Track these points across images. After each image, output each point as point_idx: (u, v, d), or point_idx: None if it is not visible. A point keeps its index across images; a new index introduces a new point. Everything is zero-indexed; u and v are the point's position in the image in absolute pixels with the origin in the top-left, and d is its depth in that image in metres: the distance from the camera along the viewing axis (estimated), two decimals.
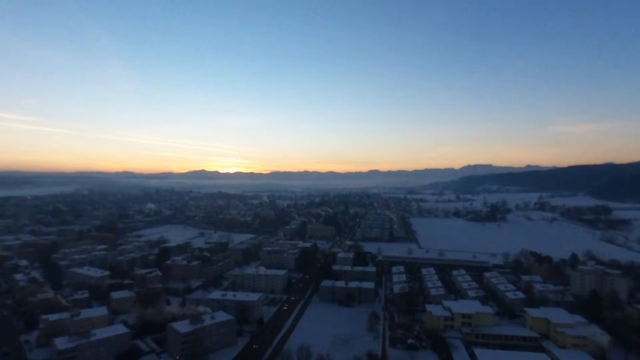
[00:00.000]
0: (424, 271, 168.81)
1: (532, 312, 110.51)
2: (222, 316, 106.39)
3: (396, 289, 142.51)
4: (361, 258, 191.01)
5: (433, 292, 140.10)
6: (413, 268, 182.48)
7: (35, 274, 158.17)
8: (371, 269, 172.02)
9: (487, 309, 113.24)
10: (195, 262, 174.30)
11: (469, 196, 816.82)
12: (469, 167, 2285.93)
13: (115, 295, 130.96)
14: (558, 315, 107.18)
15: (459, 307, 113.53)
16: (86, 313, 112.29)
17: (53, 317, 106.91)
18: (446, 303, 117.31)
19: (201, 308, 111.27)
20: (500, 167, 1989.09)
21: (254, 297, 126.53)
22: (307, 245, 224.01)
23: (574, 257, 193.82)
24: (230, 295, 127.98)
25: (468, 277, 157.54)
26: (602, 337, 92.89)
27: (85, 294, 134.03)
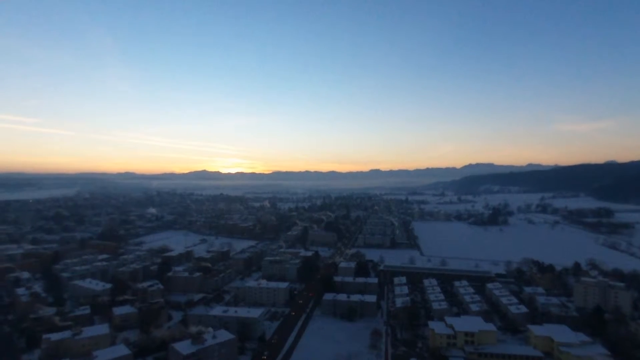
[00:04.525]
0: (425, 282, 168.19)
1: (536, 330, 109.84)
2: (224, 335, 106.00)
3: (398, 302, 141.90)
4: (363, 268, 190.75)
5: (435, 305, 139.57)
6: (415, 278, 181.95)
7: (37, 287, 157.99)
8: (373, 280, 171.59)
9: (490, 327, 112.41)
10: (196, 274, 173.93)
11: (470, 197, 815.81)
12: (470, 166, 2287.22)
13: (117, 311, 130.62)
14: (562, 333, 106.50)
15: (462, 324, 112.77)
16: (88, 332, 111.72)
17: (55, 336, 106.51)
18: (449, 320, 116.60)
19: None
20: (501, 166, 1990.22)
21: (255, 313, 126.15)
22: (309, 254, 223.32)
23: (577, 266, 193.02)
24: (231, 311, 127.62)
25: (470, 289, 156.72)
26: (606, 359, 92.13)
27: (87, 310, 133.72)
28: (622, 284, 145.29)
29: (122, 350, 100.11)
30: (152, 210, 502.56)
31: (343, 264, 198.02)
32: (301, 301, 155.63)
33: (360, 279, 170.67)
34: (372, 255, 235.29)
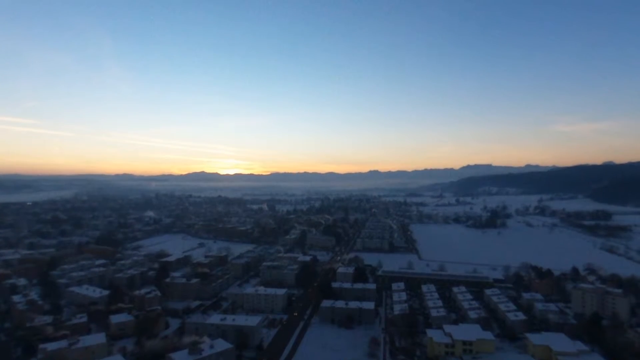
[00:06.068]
0: (424, 288, 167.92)
1: (534, 339, 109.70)
2: (221, 345, 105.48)
3: (396, 309, 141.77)
4: (361, 273, 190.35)
5: (434, 312, 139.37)
6: (413, 283, 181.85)
7: (34, 294, 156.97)
8: (371, 286, 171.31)
9: (489, 335, 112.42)
10: (194, 280, 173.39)
11: (468, 199, 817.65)
12: (468, 167, 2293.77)
13: (114, 319, 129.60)
14: (559, 342, 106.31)
15: (460, 332, 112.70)
16: (85, 341, 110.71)
17: (51, 346, 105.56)
18: (447, 328, 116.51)
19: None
20: (500, 167, 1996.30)
21: (253, 321, 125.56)
22: (307, 259, 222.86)
23: (575, 271, 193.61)
24: (229, 319, 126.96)
25: (469, 295, 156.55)
26: None
27: (84, 318, 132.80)
28: (619, 290, 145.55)
29: None
30: (150, 213, 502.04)
31: (341, 270, 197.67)
32: (297, 312, 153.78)
33: (359, 285, 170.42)
34: (370, 259, 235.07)
